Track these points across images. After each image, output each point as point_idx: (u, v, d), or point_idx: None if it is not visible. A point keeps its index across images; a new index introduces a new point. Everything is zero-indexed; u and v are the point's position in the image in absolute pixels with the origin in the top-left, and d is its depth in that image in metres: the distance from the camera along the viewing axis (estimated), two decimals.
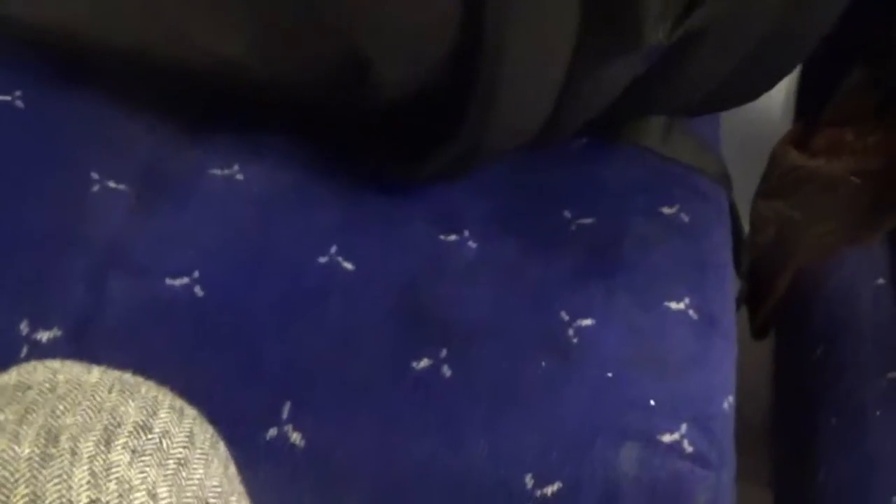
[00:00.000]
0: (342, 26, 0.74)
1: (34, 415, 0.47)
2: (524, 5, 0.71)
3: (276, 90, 0.81)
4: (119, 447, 0.46)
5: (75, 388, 0.50)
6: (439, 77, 0.78)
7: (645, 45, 0.73)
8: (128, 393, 0.50)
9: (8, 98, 0.83)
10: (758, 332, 1.12)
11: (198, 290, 0.79)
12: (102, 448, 0.46)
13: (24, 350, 0.75)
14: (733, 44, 0.82)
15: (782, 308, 1.08)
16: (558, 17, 0.73)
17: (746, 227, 1.10)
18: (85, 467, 0.45)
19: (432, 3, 0.73)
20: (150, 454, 0.47)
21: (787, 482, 0.98)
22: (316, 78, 0.79)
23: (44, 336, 0.76)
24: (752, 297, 1.12)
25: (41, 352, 0.75)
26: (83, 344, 0.76)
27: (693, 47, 0.80)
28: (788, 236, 1.08)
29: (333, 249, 0.83)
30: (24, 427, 0.46)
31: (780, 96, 1.34)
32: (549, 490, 0.75)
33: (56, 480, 0.44)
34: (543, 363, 0.79)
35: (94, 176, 0.82)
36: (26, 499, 0.44)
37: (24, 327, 0.76)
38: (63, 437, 0.46)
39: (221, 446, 0.53)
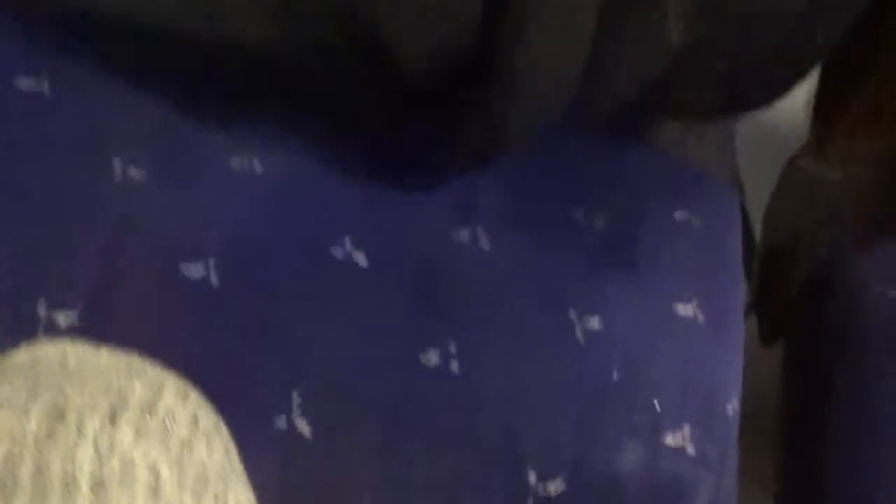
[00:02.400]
0: (364, 8, 0.75)
1: (43, 392, 0.48)
2: None
3: (300, 72, 0.82)
4: (124, 425, 0.48)
5: (85, 369, 0.51)
6: (460, 58, 0.78)
7: (661, 41, 0.74)
8: (135, 374, 0.51)
9: (33, 84, 0.84)
10: (767, 337, 1.13)
11: (212, 277, 0.80)
12: (108, 426, 0.47)
13: (41, 329, 0.76)
14: (745, 46, 0.83)
15: (792, 313, 1.08)
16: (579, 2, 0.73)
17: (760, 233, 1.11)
18: (90, 444, 0.46)
19: None
20: (154, 434, 0.48)
21: (793, 490, 0.99)
22: (340, 60, 0.80)
23: (59, 316, 0.77)
24: (762, 303, 1.12)
25: (56, 332, 0.76)
26: (95, 324, 0.77)
27: (706, 49, 0.80)
28: (800, 241, 1.08)
29: (348, 240, 0.84)
30: (33, 404, 0.47)
31: (800, 103, 1.35)
32: (552, 488, 0.76)
33: (61, 455, 0.45)
34: (551, 360, 0.80)
35: (116, 161, 0.83)
36: (31, 473, 0.45)
37: (41, 308, 0.77)
38: (70, 415, 0.47)
39: (224, 429, 0.54)
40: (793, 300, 1.07)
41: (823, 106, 1.23)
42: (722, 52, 0.82)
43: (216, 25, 0.78)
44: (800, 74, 0.92)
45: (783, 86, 0.92)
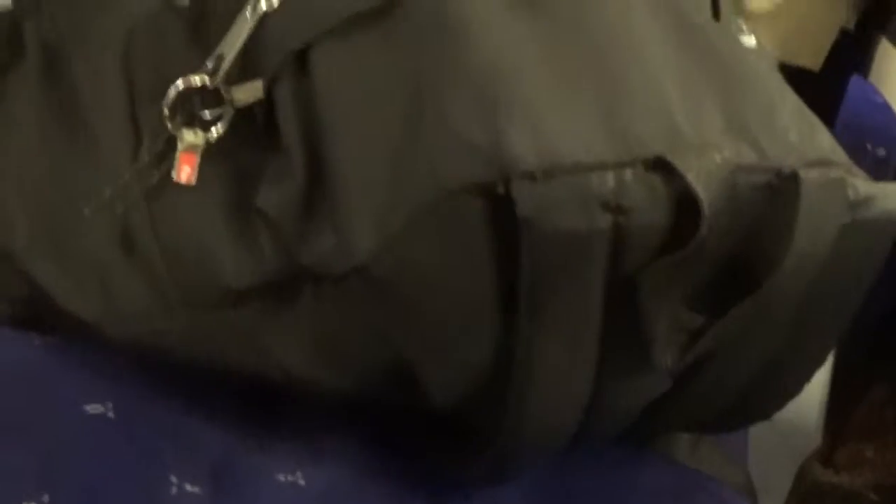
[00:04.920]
0: (394, 345, 0.85)
1: None
2: (552, 329, 0.81)
3: (337, 397, 0.91)
4: None
5: None
6: (478, 392, 0.87)
7: (655, 368, 0.83)
8: None
9: (101, 409, 0.92)
10: None
11: None
12: None
13: None
14: (741, 364, 0.90)
15: None
16: (581, 342, 0.82)
17: None
18: None
19: (475, 341, 0.84)
20: None
21: None
22: (371, 387, 0.89)
23: None
24: None
25: None
26: None
27: (703, 367, 0.88)
28: None
29: None
30: None
31: (812, 412, 1.40)
32: None
33: None
34: None
35: (173, 479, 0.90)
36: None
37: None
38: None
39: None
40: None
41: (834, 409, 1.30)
42: (718, 369, 0.90)
43: (261, 360, 0.88)
44: (799, 383, 0.97)
45: (782, 398, 0.99)
